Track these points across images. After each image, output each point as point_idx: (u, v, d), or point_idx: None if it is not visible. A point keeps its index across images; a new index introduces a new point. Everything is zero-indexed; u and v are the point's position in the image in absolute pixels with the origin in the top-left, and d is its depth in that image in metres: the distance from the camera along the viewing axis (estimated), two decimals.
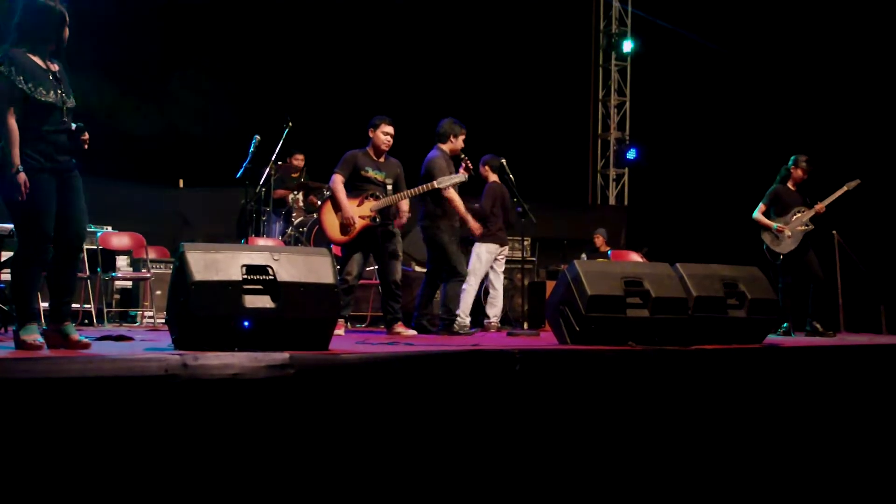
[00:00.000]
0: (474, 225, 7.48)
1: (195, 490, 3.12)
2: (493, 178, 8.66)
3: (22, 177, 4.26)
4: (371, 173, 6.99)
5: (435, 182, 7.13)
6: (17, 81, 4.33)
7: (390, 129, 7.06)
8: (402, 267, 7.16)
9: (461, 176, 7.29)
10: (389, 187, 7.04)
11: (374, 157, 7.07)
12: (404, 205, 7.13)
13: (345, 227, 6.90)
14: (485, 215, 8.38)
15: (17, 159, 4.28)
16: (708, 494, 4.25)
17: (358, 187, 6.99)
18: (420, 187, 7.13)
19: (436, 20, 12.52)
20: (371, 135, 7.07)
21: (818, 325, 8.13)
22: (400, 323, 6.96)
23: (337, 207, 6.95)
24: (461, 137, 7.48)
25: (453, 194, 7.25)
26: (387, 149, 7.09)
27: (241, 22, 11.29)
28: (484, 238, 8.35)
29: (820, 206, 8.28)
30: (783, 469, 4.48)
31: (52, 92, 4.45)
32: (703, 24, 12.50)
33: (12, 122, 4.32)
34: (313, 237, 8.79)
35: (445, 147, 7.44)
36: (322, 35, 11.63)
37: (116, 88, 10.49)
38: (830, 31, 11.26)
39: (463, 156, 7.49)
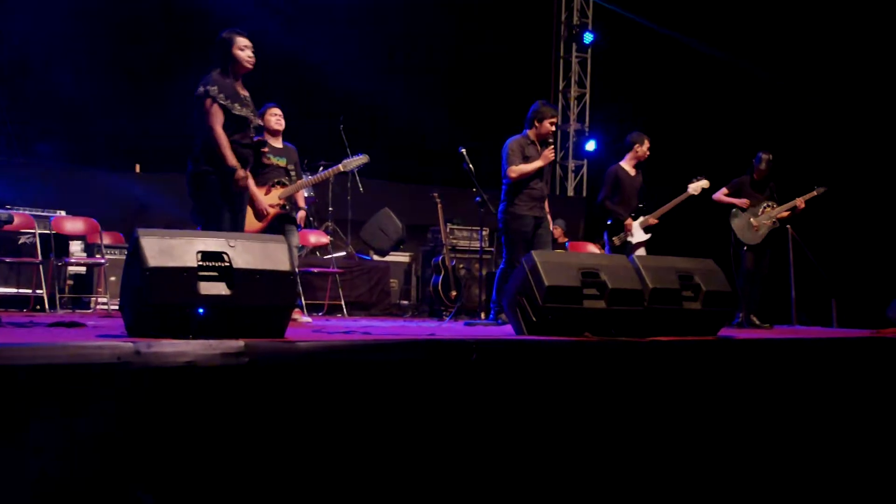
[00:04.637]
0: None
1: (145, 479, 3.09)
2: None
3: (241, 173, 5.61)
4: (273, 159, 7.05)
5: (340, 166, 7.32)
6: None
7: (277, 111, 7.22)
8: (358, 255, 7.15)
9: (363, 158, 7.38)
10: (293, 173, 7.12)
11: (272, 143, 7.11)
12: (301, 199, 7.21)
13: (258, 215, 6.93)
14: None
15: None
16: (662, 484, 4.29)
17: (262, 174, 7.00)
18: (325, 172, 7.33)
19: (394, 7, 12.51)
20: (261, 122, 7.16)
21: (755, 319, 8.41)
22: (296, 309, 7.06)
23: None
24: (546, 121, 7.35)
25: (524, 168, 7.26)
26: (279, 128, 7.16)
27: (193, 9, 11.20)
28: None
29: (800, 203, 8.53)
30: (736, 458, 4.53)
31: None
32: (664, 15, 12.58)
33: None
34: None
35: (530, 132, 7.39)
36: (278, 24, 11.56)
37: (74, 72, 10.37)
38: (790, 26, 11.38)
39: (550, 141, 7.39)
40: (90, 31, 10.61)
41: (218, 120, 5.58)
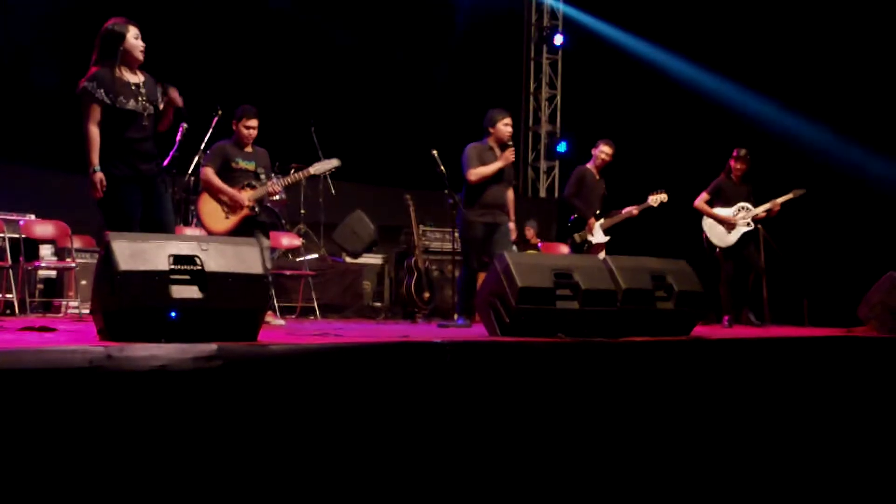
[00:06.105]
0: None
1: (118, 484, 3.07)
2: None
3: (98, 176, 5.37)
4: (241, 164, 7.03)
5: (311, 169, 7.30)
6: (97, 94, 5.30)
7: (253, 123, 7.07)
8: (332, 258, 7.12)
9: (334, 162, 7.36)
10: (263, 176, 7.08)
11: (242, 148, 7.08)
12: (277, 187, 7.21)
13: (229, 210, 6.88)
14: None
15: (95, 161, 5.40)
16: (637, 483, 4.30)
17: (231, 178, 6.99)
18: (295, 175, 7.34)
19: (364, 7, 12.48)
20: (234, 127, 7.10)
21: (751, 316, 8.34)
22: (269, 311, 7.01)
23: (214, 197, 6.97)
24: (500, 124, 7.31)
25: (482, 170, 7.20)
26: (250, 141, 7.10)
27: (167, 10, 11.13)
28: None
29: (775, 205, 8.50)
30: (709, 457, 4.55)
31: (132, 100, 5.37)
32: (632, 20, 12.63)
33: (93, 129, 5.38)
34: None
35: (489, 139, 7.38)
36: (250, 25, 11.50)
37: (45, 72, 10.27)
38: (760, 29, 11.46)
39: (510, 143, 7.36)
40: (65, 30, 10.51)
41: (94, 119, 5.40)
